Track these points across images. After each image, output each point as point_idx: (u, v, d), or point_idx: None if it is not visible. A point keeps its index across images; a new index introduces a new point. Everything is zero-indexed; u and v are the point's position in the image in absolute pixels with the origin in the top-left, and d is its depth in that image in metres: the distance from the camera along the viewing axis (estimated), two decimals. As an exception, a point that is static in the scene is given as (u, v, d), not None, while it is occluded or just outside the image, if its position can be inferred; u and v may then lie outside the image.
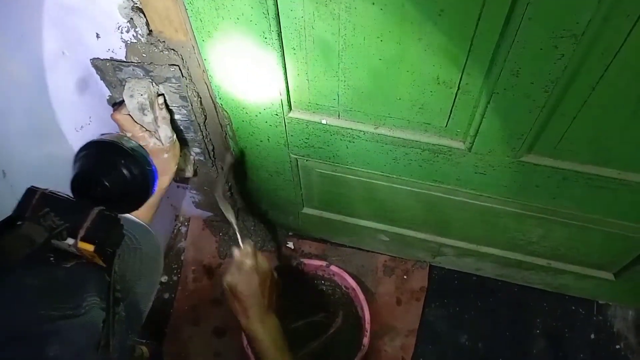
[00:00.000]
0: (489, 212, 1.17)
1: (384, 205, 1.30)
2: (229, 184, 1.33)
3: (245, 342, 1.29)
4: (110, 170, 0.67)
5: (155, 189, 0.72)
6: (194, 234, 1.62)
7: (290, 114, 1.01)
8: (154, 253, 0.70)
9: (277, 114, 1.01)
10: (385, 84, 0.86)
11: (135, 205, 0.71)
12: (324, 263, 1.47)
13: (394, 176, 1.12)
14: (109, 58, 0.93)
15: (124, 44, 0.89)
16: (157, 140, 0.99)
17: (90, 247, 0.56)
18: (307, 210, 1.45)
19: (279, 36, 0.81)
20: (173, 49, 0.90)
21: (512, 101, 0.80)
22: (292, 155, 1.16)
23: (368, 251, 1.59)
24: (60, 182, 0.62)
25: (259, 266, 1.04)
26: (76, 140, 0.99)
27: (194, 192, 1.45)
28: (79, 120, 1.00)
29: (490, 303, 1.53)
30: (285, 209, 1.47)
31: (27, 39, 0.81)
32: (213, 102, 1.04)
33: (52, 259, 0.56)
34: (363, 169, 1.13)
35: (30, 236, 0.53)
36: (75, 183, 0.66)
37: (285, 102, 0.97)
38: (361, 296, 1.39)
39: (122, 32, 0.86)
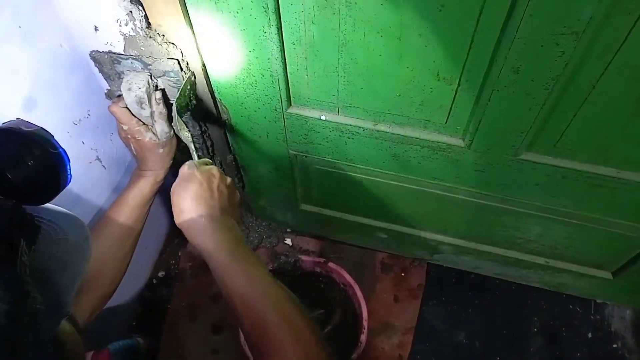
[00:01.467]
0: (488, 210, 1.16)
1: (382, 203, 1.30)
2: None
3: (242, 338, 1.28)
4: (11, 160, 0.62)
5: (69, 173, 0.67)
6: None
7: (290, 110, 1.00)
8: (82, 241, 0.68)
9: (276, 110, 1.01)
10: (385, 80, 0.85)
11: (51, 194, 0.68)
12: (321, 260, 1.47)
13: (393, 173, 1.12)
14: (107, 51, 0.93)
15: (122, 37, 0.89)
16: (153, 135, 0.98)
17: None
18: (305, 206, 1.45)
19: (278, 31, 0.81)
20: (172, 43, 0.89)
21: (513, 98, 0.79)
22: (291, 151, 1.16)
23: (366, 248, 1.59)
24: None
25: (201, 169, 0.91)
26: (75, 135, 0.99)
27: (192, 187, 1.44)
28: (77, 114, 0.99)
29: (488, 301, 1.53)
30: (284, 205, 1.47)
31: (24, 30, 0.80)
32: (212, 96, 1.03)
33: None
34: (362, 166, 1.13)
35: None
36: None
37: (284, 98, 0.97)
38: (359, 293, 1.39)
39: (120, 25, 0.86)
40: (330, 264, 1.46)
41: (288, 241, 1.62)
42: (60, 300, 0.62)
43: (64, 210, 0.70)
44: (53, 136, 0.65)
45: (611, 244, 1.18)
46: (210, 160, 1.00)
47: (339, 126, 1.01)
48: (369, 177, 1.18)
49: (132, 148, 1.00)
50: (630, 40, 0.65)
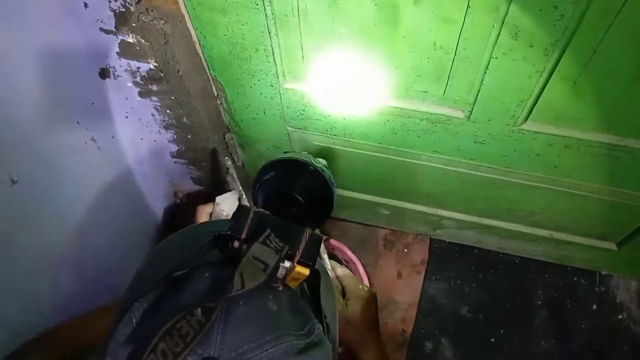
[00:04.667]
0: (490, 183, 1.15)
1: (383, 178, 1.28)
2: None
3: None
4: (304, 189, 0.72)
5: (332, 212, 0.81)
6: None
7: (285, 85, 0.99)
8: (325, 274, 0.67)
9: (271, 85, 0.99)
10: (381, 51, 0.83)
11: (317, 225, 0.75)
12: (323, 237, 1.46)
13: (393, 148, 1.10)
14: (98, 29, 0.91)
15: (112, 14, 0.87)
16: None
17: (305, 271, 0.52)
18: (306, 184, 1.44)
19: (270, 2, 0.79)
20: (163, 19, 0.88)
21: (511, 66, 0.77)
22: (289, 128, 1.14)
23: (368, 225, 1.58)
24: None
25: (373, 294, 1.00)
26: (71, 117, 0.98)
27: (192, 167, 1.44)
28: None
29: (491, 275, 1.52)
30: (285, 183, 1.46)
31: (11, 10, 0.79)
32: (207, 73, 1.02)
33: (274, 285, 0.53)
34: (361, 141, 1.11)
35: (261, 259, 0.50)
36: (272, 201, 0.70)
37: (279, 73, 0.95)
38: (361, 269, 1.39)
39: (110, 1, 0.84)
40: (332, 241, 1.45)
41: (290, 220, 1.61)
42: (333, 335, 0.63)
43: None
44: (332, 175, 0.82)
45: (615, 215, 1.16)
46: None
47: (336, 101, 0.99)
48: (369, 153, 1.16)
49: None
50: (631, 1, 0.63)
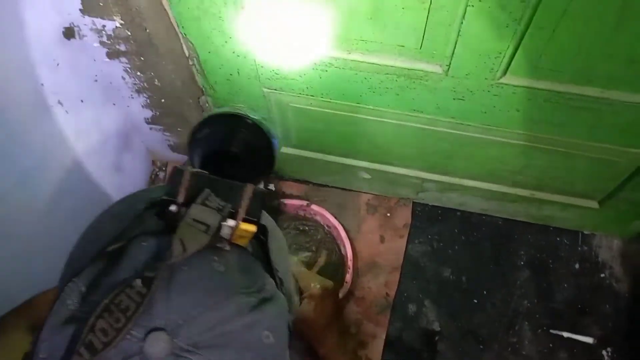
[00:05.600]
0: (470, 142, 1.13)
1: (363, 141, 1.26)
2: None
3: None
4: (242, 144, 0.69)
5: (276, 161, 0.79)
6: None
7: (258, 42, 0.95)
8: (276, 228, 0.66)
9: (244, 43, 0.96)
10: (354, 1, 0.80)
11: (259, 179, 0.72)
12: (304, 202, 1.45)
13: (371, 107, 1.08)
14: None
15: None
16: None
17: (251, 228, 0.51)
18: (285, 149, 1.41)
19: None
20: (126, -28, 0.84)
21: (488, 14, 0.75)
22: (264, 89, 1.11)
23: (350, 190, 1.57)
24: None
25: (329, 293, 1.02)
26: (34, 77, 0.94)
27: (168, 134, 1.41)
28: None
29: (474, 237, 1.51)
30: (264, 149, 1.43)
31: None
32: (176, 30, 0.98)
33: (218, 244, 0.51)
34: (339, 101, 1.09)
35: (202, 220, 0.48)
36: (210, 158, 0.67)
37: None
38: (343, 234, 1.38)
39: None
40: (313, 207, 1.44)
41: (271, 186, 1.59)
42: (288, 288, 0.61)
43: None
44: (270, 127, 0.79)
45: (596, 171, 1.15)
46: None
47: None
48: (347, 114, 1.13)
49: None
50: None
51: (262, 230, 0.56)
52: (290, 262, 0.88)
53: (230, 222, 0.50)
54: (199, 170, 0.54)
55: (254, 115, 0.73)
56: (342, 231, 1.38)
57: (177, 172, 0.53)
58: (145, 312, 0.42)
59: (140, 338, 0.41)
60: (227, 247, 0.51)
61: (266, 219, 0.60)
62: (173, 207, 0.50)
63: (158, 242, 0.48)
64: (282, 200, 1.47)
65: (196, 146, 0.72)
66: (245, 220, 0.51)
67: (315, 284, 1.01)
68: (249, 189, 0.53)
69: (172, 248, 0.45)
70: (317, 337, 0.95)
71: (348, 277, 1.31)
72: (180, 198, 0.51)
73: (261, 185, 0.78)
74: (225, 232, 0.50)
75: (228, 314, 0.45)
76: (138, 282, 0.42)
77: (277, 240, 0.63)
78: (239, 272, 0.50)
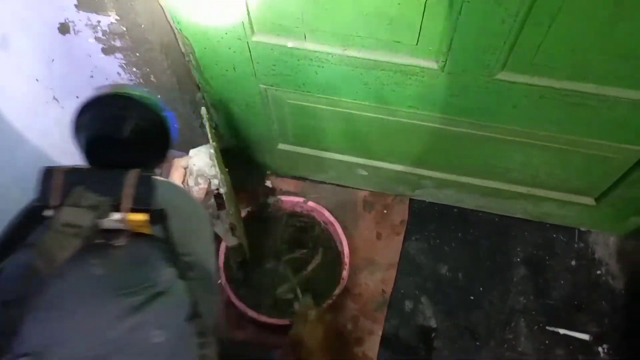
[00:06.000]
0: (467, 139, 1.13)
1: (359, 137, 1.26)
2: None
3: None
4: (124, 126, 0.60)
5: (176, 135, 0.68)
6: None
7: (254, 38, 0.95)
8: (193, 208, 0.64)
9: (240, 39, 0.96)
10: (349, -4, 0.80)
11: (159, 158, 0.66)
12: (301, 199, 1.44)
13: (367, 103, 1.08)
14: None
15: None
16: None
17: (142, 217, 0.48)
18: (282, 146, 1.41)
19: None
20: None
21: (484, 10, 0.75)
22: (260, 86, 1.11)
23: (347, 187, 1.56)
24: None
25: (322, 317, 1.02)
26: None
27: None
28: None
29: (470, 234, 1.51)
30: (261, 146, 1.43)
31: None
32: (171, 26, 0.97)
33: (102, 241, 0.48)
34: (335, 97, 1.08)
35: (73, 223, 0.45)
36: (91, 148, 0.59)
37: (247, 24, 0.92)
38: (340, 230, 1.37)
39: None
40: (310, 203, 1.43)
41: (268, 183, 1.59)
42: (207, 268, 0.59)
43: (161, 178, 0.65)
44: (158, 99, 0.66)
45: (592, 168, 1.15)
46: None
47: (307, 54, 0.96)
48: (344, 110, 1.13)
49: None
50: None
51: (159, 215, 0.51)
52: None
53: (117, 216, 0.47)
54: (74, 166, 0.51)
55: (139, 92, 0.66)
56: (338, 228, 1.38)
57: (46, 173, 0.49)
58: (16, 336, 0.40)
59: None
60: (121, 242, 0.48)
61: (170, 200, 0.55)
62: (49, 212, 0.47)
63: (29, 259, 0.45)
64: (279, 197, 1.47)
65: (78, 134, 0.63)
66: (134, 210, 0.48)
67: (313, 310, 1.04)
68: (131, 176, 0.50)
69: (34, 263, 0.42)
70: (310, 357, 0.97)
71: (344, 273, 1.31)
72: (54, 201, 0.48)
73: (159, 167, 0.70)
74: (111, 226, 0.47)
75: (106, 320, 0.43)
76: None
77: (187, 221, 0.59)
78: (125, 269, 0.48)
